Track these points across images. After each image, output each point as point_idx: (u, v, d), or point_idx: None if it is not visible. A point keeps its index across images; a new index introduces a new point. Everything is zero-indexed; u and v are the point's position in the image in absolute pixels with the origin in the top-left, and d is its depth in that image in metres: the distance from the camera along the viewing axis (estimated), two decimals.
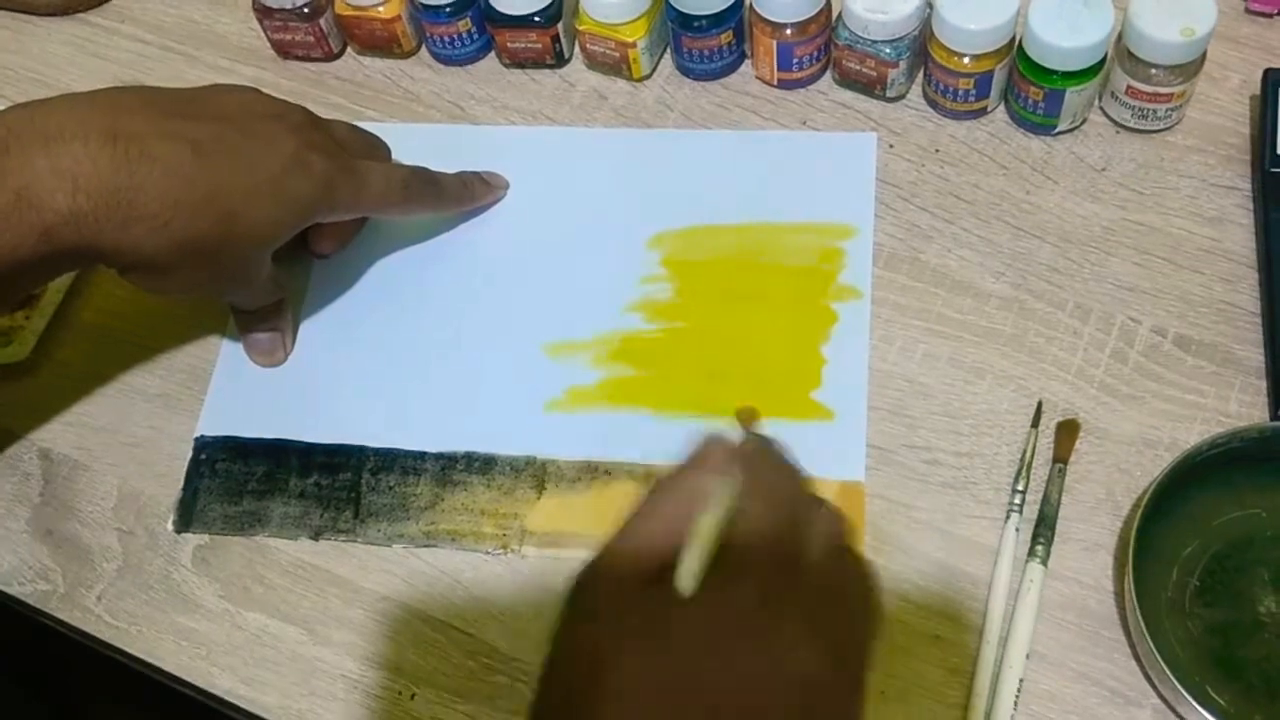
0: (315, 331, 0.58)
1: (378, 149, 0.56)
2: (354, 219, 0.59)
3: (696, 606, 0.33)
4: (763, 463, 0.38)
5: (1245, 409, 0.52)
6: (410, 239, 0.60)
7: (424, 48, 0.67)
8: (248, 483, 0.55)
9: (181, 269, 0.48)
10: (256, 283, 0.53)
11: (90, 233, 0.45)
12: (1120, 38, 0.56)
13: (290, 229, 0.50)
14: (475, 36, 0.64)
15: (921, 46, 0.59)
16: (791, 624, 0.33)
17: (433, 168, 0.57)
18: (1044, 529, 0.50)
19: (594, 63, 0.64)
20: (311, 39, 0.65)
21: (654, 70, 0.64)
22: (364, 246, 0.60)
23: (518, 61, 0.65)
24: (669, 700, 0.32)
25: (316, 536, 0.53)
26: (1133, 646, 0.47)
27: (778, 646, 0.33)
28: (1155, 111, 0.57)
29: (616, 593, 0.35)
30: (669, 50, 0.64)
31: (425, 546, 0.53)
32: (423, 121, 0.64)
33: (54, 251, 0.45)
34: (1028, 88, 0.57)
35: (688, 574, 0.33)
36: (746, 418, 0.41)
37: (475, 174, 0.60)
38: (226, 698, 0.51)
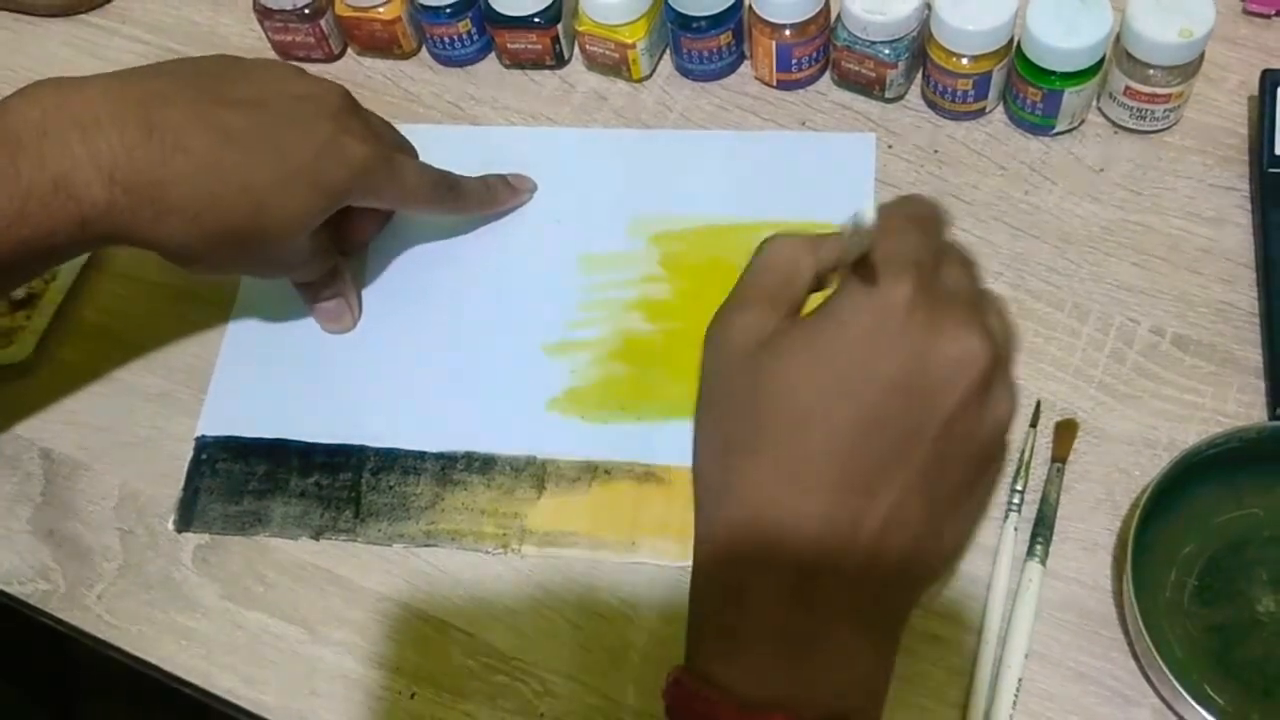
0: (316, 331, 0.58)
1: (405, 148, 0.56)
2: (376, 219, 0.59)
3: (847, 304, 0.33)
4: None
5: (1243, 409, 0.52)
6: (410, 239, 0.60)
7: (424, 49, 0.67)
8: (248, 482, 0.55)
9: (214, 255, 0.49)
10: (297, 262, 0.53)
11: (124, 222, 0.45)
12: (1118, 39, 0.56)
13: (323, 214, 0.50)
14: (475, 37, 0.64)
15: (920, 47, 0.59)
16: (950, 311, 0.33)
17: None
18: (1042, 528, 0.50)
19: (594, 64, 0.64)
20: (312, 40, 0.65)
21: (654, 71, 0.64)
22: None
23: (518, 62, 0.65)
24: (836, 386, 0.32)
25: (317, 536, 0.54)
26: (1131, 646, 0.48)
27: (940, 331, 0.33)
28: (1153, 112, 0.57)
29: (758, 320, 0.35)
30: (668, 51, 0.64)
31: (425, 546, 0.53)
32: (423, 122, 0.64)
33: (87, 238, 0.46)
34: (1026, 89, 0.57)
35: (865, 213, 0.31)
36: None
37: (500, 177, 0.60)
38: (227, 697, 0.51)
